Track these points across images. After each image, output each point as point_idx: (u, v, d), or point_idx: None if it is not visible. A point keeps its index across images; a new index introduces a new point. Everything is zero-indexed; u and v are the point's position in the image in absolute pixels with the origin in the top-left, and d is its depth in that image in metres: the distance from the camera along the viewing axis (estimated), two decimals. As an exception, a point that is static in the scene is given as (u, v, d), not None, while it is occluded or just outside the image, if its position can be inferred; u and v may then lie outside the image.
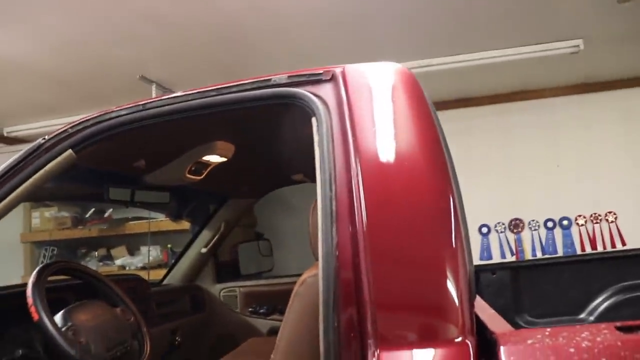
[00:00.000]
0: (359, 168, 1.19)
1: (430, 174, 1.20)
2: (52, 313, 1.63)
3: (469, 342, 1.07)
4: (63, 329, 1.61)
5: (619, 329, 1.00)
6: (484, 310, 1.37)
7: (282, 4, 2.93)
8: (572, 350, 0.96)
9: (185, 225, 3.99)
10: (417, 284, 1.12)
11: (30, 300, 1.60)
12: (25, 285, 1.67)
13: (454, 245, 1.14)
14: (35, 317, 1.58)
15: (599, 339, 0.97)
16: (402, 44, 3.61)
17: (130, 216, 4.98)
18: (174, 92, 1.52)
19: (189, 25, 3.13)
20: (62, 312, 1.69)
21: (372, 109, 1.27)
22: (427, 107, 1.29)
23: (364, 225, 1.15)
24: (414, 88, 1.30)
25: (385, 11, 3.08)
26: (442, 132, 1.34)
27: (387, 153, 1.21)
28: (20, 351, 1.64)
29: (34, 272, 1.71)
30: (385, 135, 1.23)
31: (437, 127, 1.30)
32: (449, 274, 1.11)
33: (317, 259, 1.21)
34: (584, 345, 0.96)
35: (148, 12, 2.92)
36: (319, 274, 1.16)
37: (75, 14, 2.88)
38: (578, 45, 3.62)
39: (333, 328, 1.11)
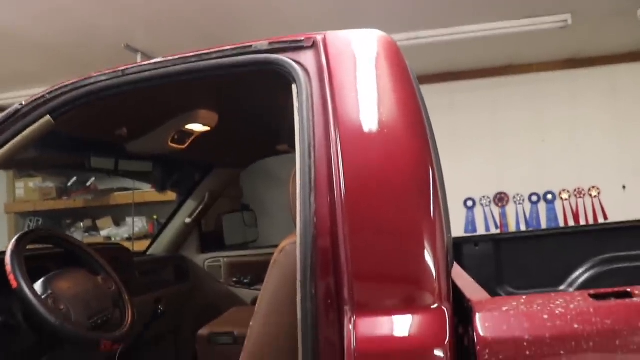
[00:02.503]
0: (338, 136, 1.19)
1: (410, 143, 1.19)
2: (32, 281, 1.62)
3: (445, 309, 1.08)
4: (43, 297, 1.60)
5: (592, 296, 1.01)
6: (462, 278, 1.38)
7: (268, -28, 2.89)
8: (545, 317, 0.97)
9: (172, 196, 3.97)
10: (394, 252, 1.12)
11: (8, 267, 1.59)
12: (3, 253, 1.65)
13: (432, 215, 1.14)
14: (14, 284, 1.57)
15: (572, 306, 0.98)
16: (388, 17, 3.57)
17: (115, 187, 4.96)
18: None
19: (175, -7, 3.08)
20: (42, 279, 1.68)
21: (352, 76, 1.26)
22: (408, 76, 1.28)
23: (343, 193, 1.14)
24: (396, 56, 1.29)
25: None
26: (423, 102, 1.33)
27: (366, 121, 1.20)
28: (0, 319, 1.63)
29: (13, 240, 1.69)
30: (366, 103, 1.22)
31: (418, 96, 1.29)
32: (426, 243, 1.11)
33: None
34: (557, 312, 0.97)
35: (133, -21, 2.87)
36: (297, 241, 1.15)
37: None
38: (566, 20, 3.60)
39: (310, 295, 1.11)
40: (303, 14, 3.44)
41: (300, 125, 1.24)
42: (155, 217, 4.91)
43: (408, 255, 1.11)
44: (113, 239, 4.89)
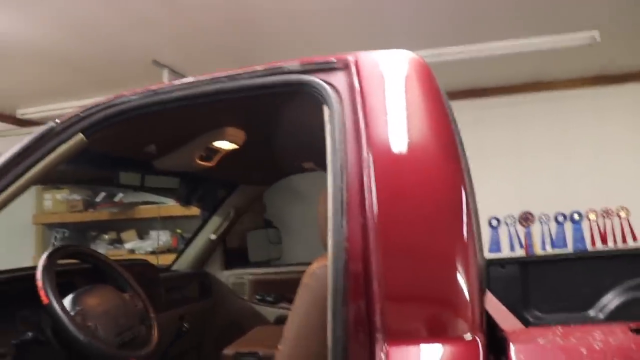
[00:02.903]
0: (370, 158, 1.17)
1: (443, 165, 1.18)
2: (61, 297, 1.63)
3: (478, 340, 1.05)
4: (72, 313, 1.61)
5: (633, 330, 0.98)
6: (494, 306, 1.35)
7: (295, -11, 2.91)
8: (584, 351, 0.94)
9: (196, 210, 3.98)
10: (427, 277, 1.10)
11: (39, 283, 1.60)
12: (35, 268, 1.67)
13: (465, 239, 1.12)
14: (45, 300, 1.59)
15: (612, 340, 0.95)
16: (414, 33, 3.56)
17: (140, 200, 4.99)
18: (185, 77, 1.51)
19: (202, 10, 3.11)
20: (71, 296, 1.69)
21: (384, 98, 1.25)
22: (440, 97, 1.27)
23: (375, 217, 1.13)
24: (428, 77, 1.28)
25: (397, -1, 3.05)
26: (455, 123, 1.32)
27: (399, 144, 1.19)
28: (30, 334, 1.65)
29: (44, 256, 1.71)
30: (398, 125, 1.21)
31: (450, 117, 1.27)
32: (459, 268, 1.09)
33: (326, 249, 1.20)
34: (596, 346, 0.94)
35: (161, -4, 2.91)
36: (328, 266, 1.14)
37: (89, -3, 2.88)
38: (594, 37, 3.55)
39: (341, 321, 1.09)
40: (330, 30, 3.45)
41: (332, 148, 1.23)
42: (179, 231, 4.93)
43: (441, 281, 1.10)
44: (137, 252, 4.92)
